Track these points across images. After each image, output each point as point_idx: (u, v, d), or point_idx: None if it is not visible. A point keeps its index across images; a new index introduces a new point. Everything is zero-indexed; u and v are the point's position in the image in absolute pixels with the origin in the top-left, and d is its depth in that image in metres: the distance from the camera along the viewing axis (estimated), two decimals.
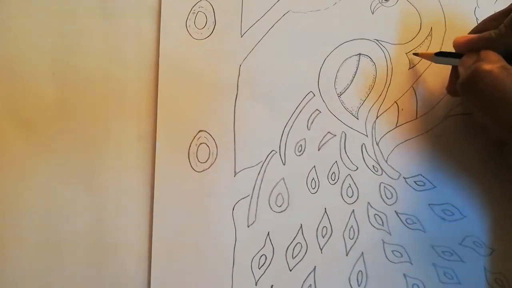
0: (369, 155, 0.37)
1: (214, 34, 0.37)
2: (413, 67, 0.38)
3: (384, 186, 0.37)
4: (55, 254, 0.35)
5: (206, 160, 0.36)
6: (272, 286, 0.36)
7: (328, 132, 0.37)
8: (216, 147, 0.36)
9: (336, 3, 0.38)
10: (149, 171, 0.36)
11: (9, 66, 0.35)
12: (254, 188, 0.36)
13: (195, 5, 0.37)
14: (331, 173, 0.37)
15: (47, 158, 0.36)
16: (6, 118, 0.35)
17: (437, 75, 0.38)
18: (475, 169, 0.38)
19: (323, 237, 0.37)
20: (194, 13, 0.37)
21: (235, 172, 0.36)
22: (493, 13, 0.34)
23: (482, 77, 0.30)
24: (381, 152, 0.37)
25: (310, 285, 0.37)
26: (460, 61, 0.33)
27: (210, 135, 0.36)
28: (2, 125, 0.35)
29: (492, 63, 0.30)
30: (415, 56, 0.37)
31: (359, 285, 0.37)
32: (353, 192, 0.37)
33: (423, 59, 0.37)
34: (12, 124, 0.35)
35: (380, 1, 0.38)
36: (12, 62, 0.35)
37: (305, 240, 0.37)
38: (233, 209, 0.36)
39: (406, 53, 0.38)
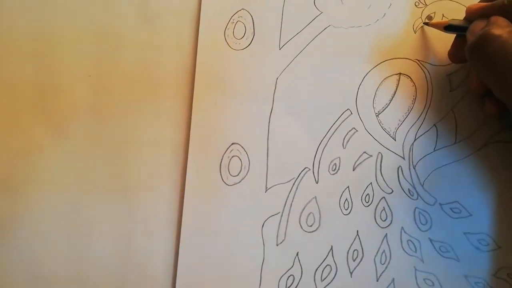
0: (405, 179, 0.36)
1: (252, 45, 0.36)
2: (454, 90, 0.37)
3: (419, 212, 0.36)
4: (82, 259, 0.35)
5: (238, 174, 0.35)
6: None
7: (364, 152, 0.36)
8: (249, 161, 0.35)
9: (378, 20, 0.37)
10: (180, 182, 0.35)
11: (45, 70, 0.35)
12: (285, 205, 0.35)
13: (234, 14, 0.36)
14: (365, 194, 0.36)
15: (79, 163, 0.35)
16: (39, 123, 0.35)
17: (479, 99, 0.36)
18: None
19: (354, 260, 0.36)
20: (233, 22, 0.36)
21: (266, 187, 0.35)
22: None
23: (490, 41, 0.29)
24: (417, 176, 0.36)
25: None
26: (469, 28, 0.32)
27: (243, 148, 0.35)
28: (34, 130, 0.35)
29: (501, 28, 0.29)
30: (452, 77, 0.36)
31: None
32: (387, 215, 0.36)
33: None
34: (44, 126, 0.35)
35: (423, 20, 0.37)
36: (48, 65, 0.35)
37: (335, 263, 0.35)
38: (262, 226, 0.35)
39: (447, 75, 0.37)
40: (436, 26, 0.35)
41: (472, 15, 0.33)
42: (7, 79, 0.35)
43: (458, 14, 0.35)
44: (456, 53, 0.35)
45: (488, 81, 0.31)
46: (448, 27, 0.34)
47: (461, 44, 0.34)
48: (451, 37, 0.35)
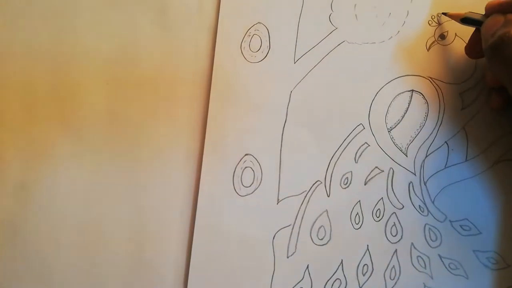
0: (416, 195, 0.36)
1: (267, 58, 0.36)
2: (466, 108, 0.37)
3: (429, 228, 0.36)
4: (93, 263, 0.35)
5: (250, 185, 0.35)
6: None
7: (376, 167, 0.36)
8: (261, 172, 0.36)
9: (392, 37, 0.37)
10: (194, 190, 0.35)
11: (64, 74, 0.35)
12: (296, 218, 0.36)
13: (251, 27, 0.37)
14: (376, 209, 0.36)
15: (93, 168, 0.35)
16: (56, 124, 0.35)
17: (491, 119, 0.37)
18: None
19: (364, 275, 0.36)
20: (249, 35, 0.36)
21: (278, 199, 0.36)
22: None
23: (510, 43, 0.29)
24: (428, 193, 0.36)
25: None
26: (485, 22, 0.32)
27: (256, 159, 0.36)
28: (51, 135, 0.35)
29: None
30: (464, 96, 0.37)
31: None
32: (397, 231, 0.36)
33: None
34: (61, 130, 0.35)
35: (436, 39, 0.38)
36: (67, 70, 0.35)
37: (344, 277, 0.35)
38: (273, 238, 0.35)
39: (459, 93, 0.37)
40: (453, 17, 0.36)
41: (491, 11, 0.33)
42: (26, 84, 0.35)
43: (470, 34, 0.36)
44: (473, 48, 0.35)
45: (505, 80, 0.31)
46: (464, 20, 0.34)
47: (478, 39, 0.34)
48: (464, 54, 0.36)
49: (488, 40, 0.31)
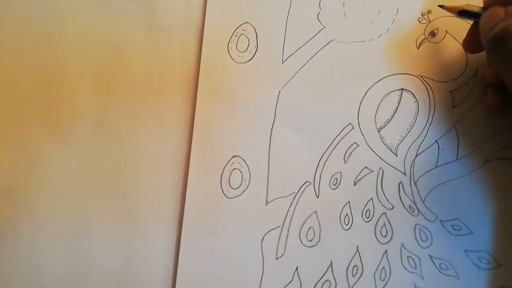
0: (406, 194, 0.36)
1: (255, 58, 0.36)
2: (456, 106, 0.37)
3: (420, 228, 0.36)
4: (80, 265, 0.35)
5: (238, 187, 0.35)
6: None
7: (365, 167, 0.36)
8: (249, 174, 0.35)
9: (381, 35, 0.37)
10: (181, 192, 0.35)
11: (51, 77, 0.35)
12: (285, 219, 0.35)
13: (238, 27, 0.36)
14: (365, 210, 0.36)
15: (80, 171, 0.35)
16: (42, 129, 0.35)
17: (482, 117, 0.36)
18: None
19: (353, 276, 0.35)
20: (236, 35, 0.36)
21: (266, 201, 0.35)
22: None
23: None
24: (418, 192, 0.36)
25: None
26: (484, 13, 0.31)
27: (244, 161, 0.35)
28: (38, 138, 0.35)
29: None
30: (455, 94, 0.36)
31: None
32: (387, 231, 0.36)
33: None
34: (47, 133, 0.35)
35: (427, 36, 0.37)
36: (54, 72, 0.35)
37: (334, 278, 0.35)
38: (262, 240, 0.35)
39: (450, 91, 0.37)
40: (450, 9, 0.34)
41: (490, 3, 0.32)
42: (12, 88, 0.35)
43: (461, 31, 0.35)
44: (471, 42, 0.34)
45: (505, 75, 0.30)
46: (462, 12, 0.33)
47: (477, 32, 0.32)
48: (454, 52, 0.36)
49: (487, 34, 0.30)
